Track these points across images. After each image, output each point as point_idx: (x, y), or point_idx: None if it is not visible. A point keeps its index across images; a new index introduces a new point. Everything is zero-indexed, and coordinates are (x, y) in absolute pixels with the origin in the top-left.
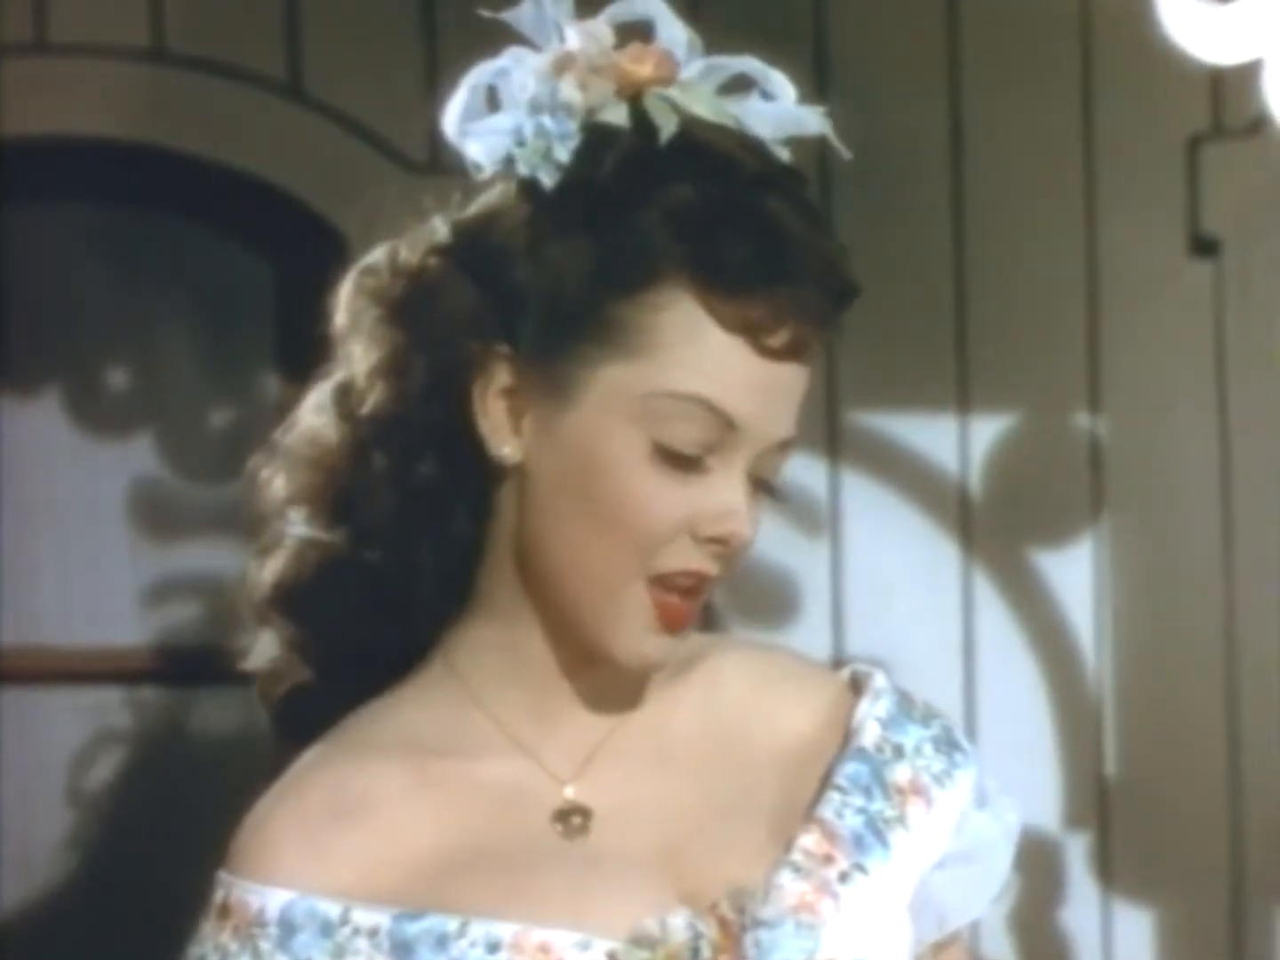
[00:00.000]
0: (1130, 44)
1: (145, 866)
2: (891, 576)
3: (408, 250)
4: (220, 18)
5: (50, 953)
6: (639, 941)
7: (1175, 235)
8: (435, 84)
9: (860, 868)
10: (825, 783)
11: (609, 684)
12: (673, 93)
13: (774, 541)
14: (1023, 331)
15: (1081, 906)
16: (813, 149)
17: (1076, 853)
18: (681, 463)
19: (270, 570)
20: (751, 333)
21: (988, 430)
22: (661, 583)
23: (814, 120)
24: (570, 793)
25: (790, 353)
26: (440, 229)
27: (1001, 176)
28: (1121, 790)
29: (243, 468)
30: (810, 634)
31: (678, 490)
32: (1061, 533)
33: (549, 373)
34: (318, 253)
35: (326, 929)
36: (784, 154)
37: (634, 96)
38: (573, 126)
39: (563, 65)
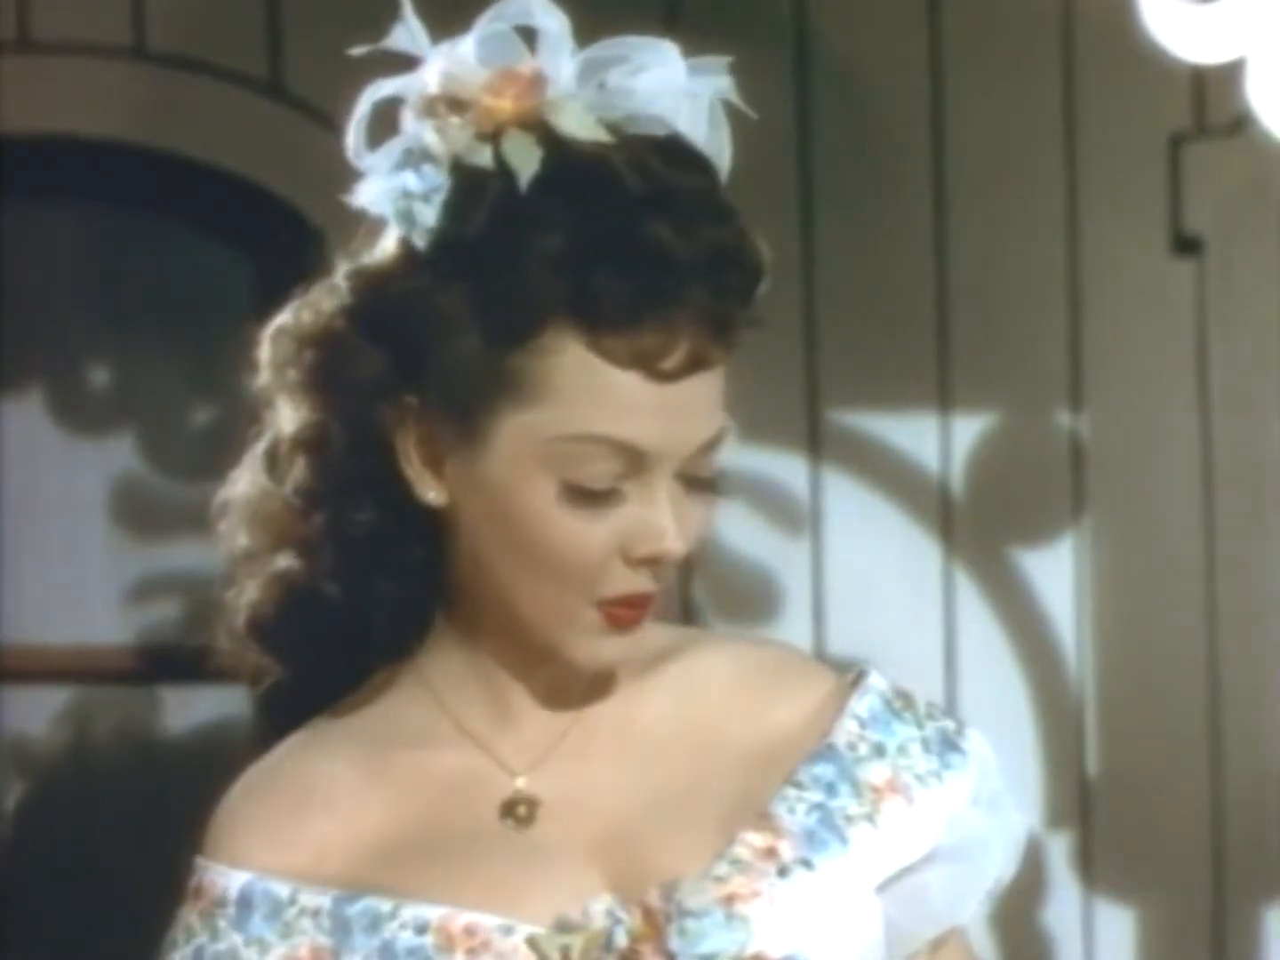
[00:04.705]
0: (1112, 43)
1: (124, 865)
2: (873, 576)
3: (312, 313)
4: (201, 16)
5: (30, 948)
6: (561, 927)
7: (1157, 234)
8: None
9: (805, 863)
10: (786, 780)
11: (570, 681)
12: (543, 119)
13: (755, 540)
14: (1004, 330)
15: (1063, 905)
16: (793, 150)
17: (1058, 851)
18: (595, 498)
19: (244, 600)
20: (645, 363)
21: (969, 429)
22: (606, 602)
23: (711, 83)
24: (521, 784)
25: (689, 369)
26: (341, 286)
27: (983, 175)
28: (1103, 789)
29: (224, 466)
30: (791, 633)
31: (597, 525)
32: (1043, 532)
33: (458, 422)
34: (298, 250)
35: (276, 909)
36: (675, 127)
37: (496, 135)
38: (439, 179)
39: (429, 108)
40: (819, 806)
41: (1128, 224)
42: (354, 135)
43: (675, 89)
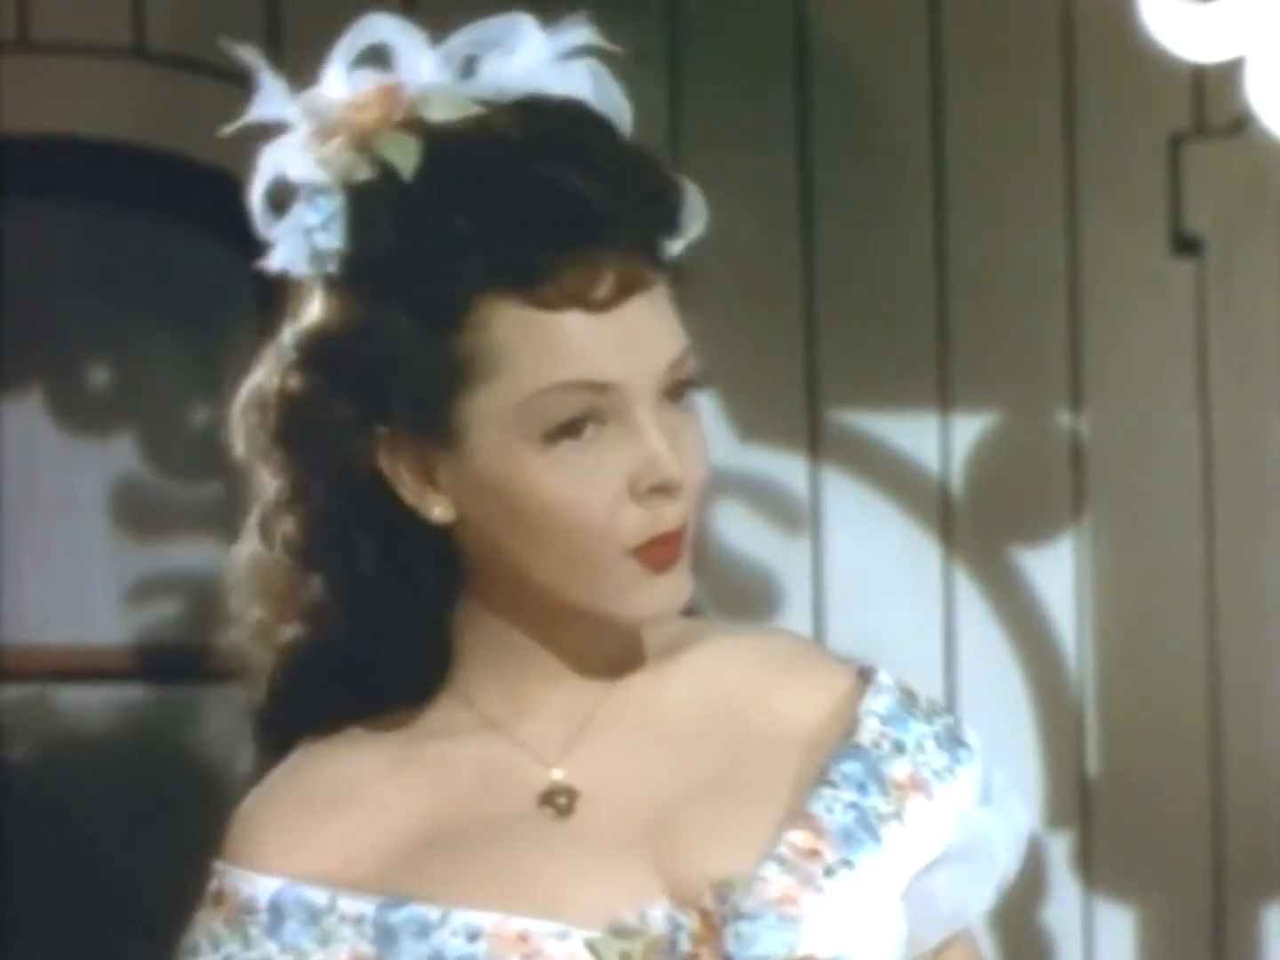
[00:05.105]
0: (1112, 42)
1: (123, 865)
2: (872, 575)
3: (268, 377)
4: (201, 16)
5: (30, 947)
6: (617, 932)
7: (1157, 234)
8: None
9: (847, 863)
10: (819, 778)
11: (590, 664)
12: (414, 117)
13: (755, 540)
14: (1004, 330)
15: (1063, 905)
16: (793, 150)
17: (1058, 851)
18: (577, 430)
19: (267, 671)
20: (577, 299)
21: (969, 429)
22: (637, 550)
23: (575, 38)
24: (558, 774)
25: (623, 294)
26: (287, 344)
27: (984, 175)
28: (1103, 789)
29: (224, 466)
30: None
31: (593, 475)
32: (1043, 531)
33: (434, 429)
34: None
35: (314, 916)
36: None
37: (371, 145)
38: (334, 205)
39: (305, 146)
40: (854, 805)
41: (1128, 224)
42: (258, 208)
43: (545, 60)
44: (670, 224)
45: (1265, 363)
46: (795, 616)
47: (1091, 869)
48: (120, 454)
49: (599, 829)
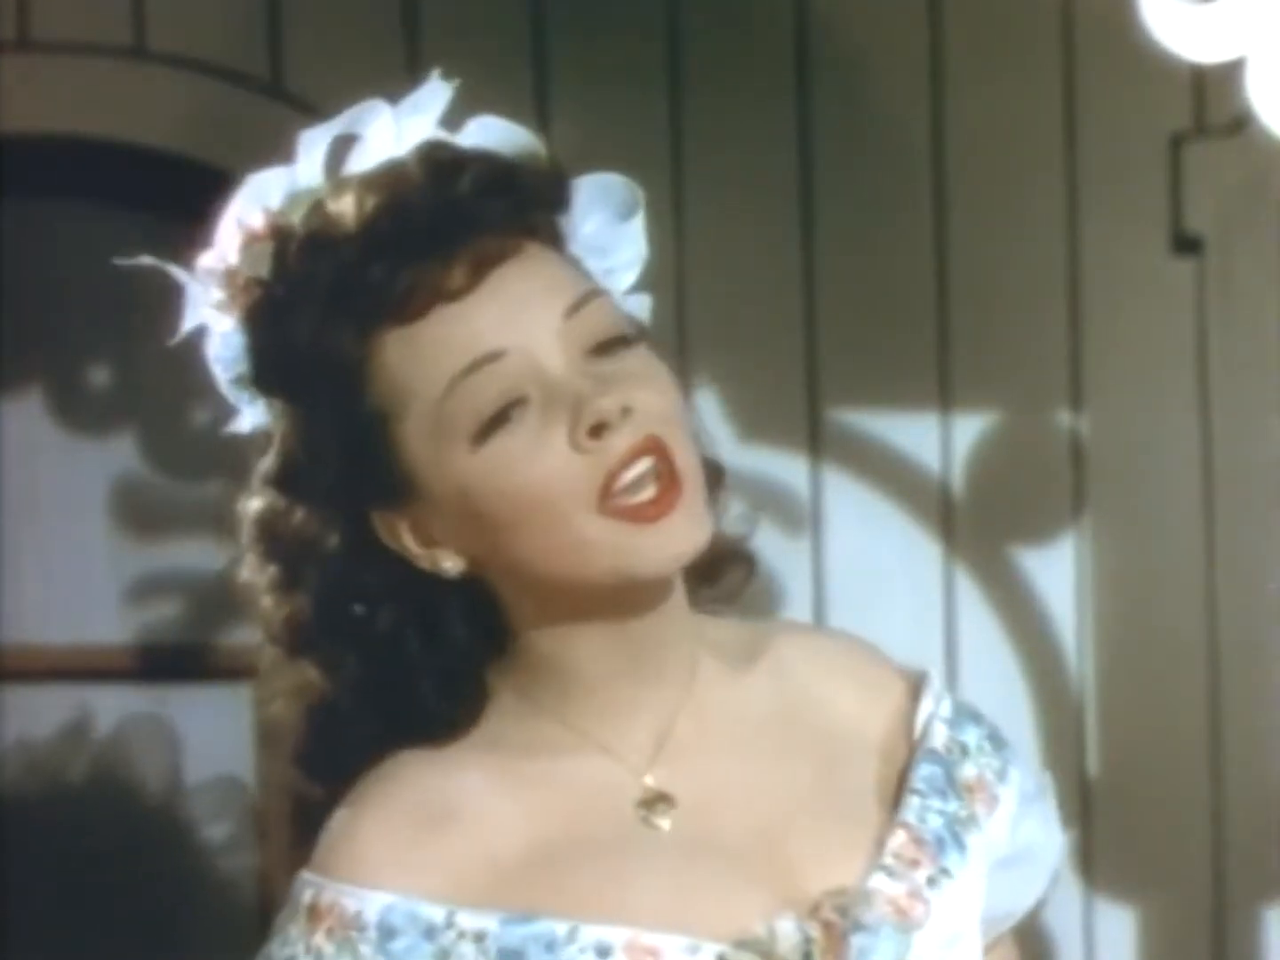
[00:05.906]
0: (1113, 42)
1: (124, 865)
2: (873, 575)
3: (250, 514)
4: (201, 16)
5: (30, 947)
6: (748, 945)
7: (1157, 234)
8: (416, 82)
9: (945, 872)
10: (903, 785)
11: (660, 669)
12: (276, 228)
13: (755, 540)
14: (1005, 330)
15: (1064, 905)
16: (793, 150)
17: None
18: (503, 418)
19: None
20: (436, 297)
21: (969, 428)
22: (611, 499)
23: (433, 110)
24: (650, 781)
25: (485, 269)
26: (258, 480)
27: (984, 175)
28: (1103, 789)
29: (224, 466)
30: None
31: (534, 445)
32: (1043, 531)
33: (398, 488)
34: None
35: (430, 933)
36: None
37: (241, 273)
38: (237, 341)
39: (214, 307)
40: (941, 812)
41: (1128, 224)
42: (225, 391)
43: (404, 145)
44: (514, 197)
45: (1265, 363)
46: (796, 616)
47: (1092, 869)
48: (120, 454)
49: (703, 839)
